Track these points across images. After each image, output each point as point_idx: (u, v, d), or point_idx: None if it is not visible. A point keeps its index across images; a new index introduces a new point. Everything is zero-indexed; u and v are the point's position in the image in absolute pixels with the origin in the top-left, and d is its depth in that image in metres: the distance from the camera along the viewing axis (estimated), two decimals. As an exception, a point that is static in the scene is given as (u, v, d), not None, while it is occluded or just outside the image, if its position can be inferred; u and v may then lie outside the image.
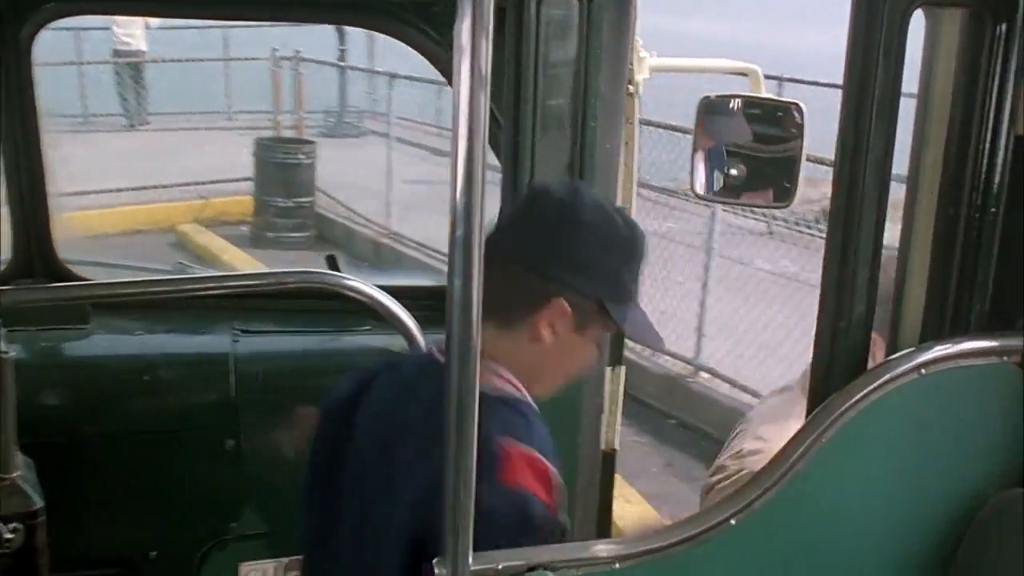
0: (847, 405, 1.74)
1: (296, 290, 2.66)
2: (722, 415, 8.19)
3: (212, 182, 14.49)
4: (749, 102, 3.12)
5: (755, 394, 8.06)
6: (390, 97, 13.06)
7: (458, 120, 1.35)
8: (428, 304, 2.89)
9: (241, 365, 2.77)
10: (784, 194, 3.10)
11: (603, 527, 2.99)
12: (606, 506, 3.06)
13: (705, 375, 8.52)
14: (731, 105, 3.12)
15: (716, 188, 3.17)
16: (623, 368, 3.03)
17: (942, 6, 1.77)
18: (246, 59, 17.99)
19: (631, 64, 2.73)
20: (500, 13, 2.58)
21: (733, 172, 3.18)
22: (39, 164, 3.01)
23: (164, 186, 14.17)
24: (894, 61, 1.71)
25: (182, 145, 16.79)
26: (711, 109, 3.11)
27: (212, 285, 2.54)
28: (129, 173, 14.55)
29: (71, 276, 3.11)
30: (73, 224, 12.22)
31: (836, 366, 1.81)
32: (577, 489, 2.73)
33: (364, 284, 2.62)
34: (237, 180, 14.25)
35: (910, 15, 1.70)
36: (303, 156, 13.44)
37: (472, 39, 1.31)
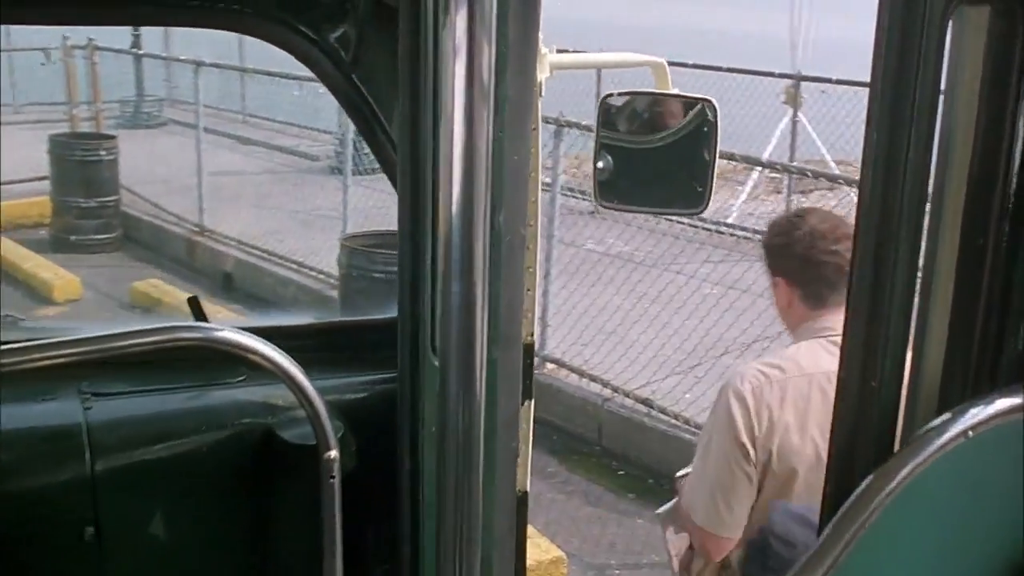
0: (892, 485, 1.44)
1: (156, 349, 2.22)
2: (571, 406, 7.99)
3: (4, 183, 13.50)
4: (655, 99, 2.82)
5: (604, 383, 7.88)
6: (197, 85, 12.34)
7: (452, 125, 1.27)
8: (304, 345, 2.50)
9: (96, 436, 2.32)
10: (696, 199, 2.81)
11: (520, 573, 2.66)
12: (522, 551, 2.73)
13: (551, 365, 8.26)
14: (635, 103, 2.81)
15: (620, 195, 2.86)
16: (532, 402, 2.69)
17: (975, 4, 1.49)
18: (34, 49, 16.88)
19: (533, 62, 2.39)
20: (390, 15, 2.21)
21: (638, 177, 2.88)
22: None
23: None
24: (932, 65, 1.42)
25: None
26: (613, 108, 2.79)
27: (53, 354, 2.07)
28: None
29: None
30: None
31: (864, 435, 1.51)
32: (496, 536, 2.40)
33: (236, 332, 2.20)
34: (32, 180, 13.32)
35: (950, 15, 1.41)
36: (104, 152, 12.64)
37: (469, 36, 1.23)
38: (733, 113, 12.18)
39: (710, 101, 2.76)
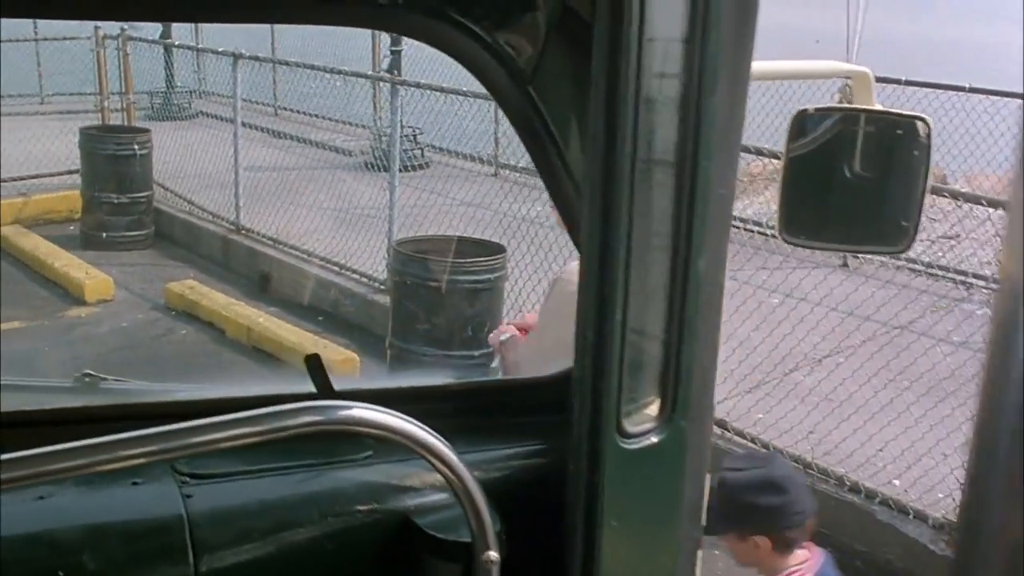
0: None
1: (282, 436, 1.78)
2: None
3: (31, 177, 13.14)
4: (857, 116, 2.36)
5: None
6: (236, 78, 11.89)
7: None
8: (436, 410, 2.07)
9: (200, 530, 1.88)
10: (899, 236, 2.36)
11: None
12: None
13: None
14: (833, 120, 2.35)
15: (808, 229, 2.41)
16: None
17: None
18: (64, 39, 16.51)
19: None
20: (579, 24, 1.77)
21: (832, 207, 2.43)
22: None
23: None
24: None
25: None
26: (807, 125, 2.34)
27: (146, 450, 1.63)
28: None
29: None
30: None
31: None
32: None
33: (374, 411, 1.77)
34: (61, 174, 12.94)
35: None
36: (137, 146, 12.19)
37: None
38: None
39: (923, 119, 2.31)
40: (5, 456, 1.54)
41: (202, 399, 2.24)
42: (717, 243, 1.82)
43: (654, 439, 1.83)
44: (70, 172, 12.82)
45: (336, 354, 8.73)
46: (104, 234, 11.92)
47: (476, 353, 7.61)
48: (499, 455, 2.20)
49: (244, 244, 11.37)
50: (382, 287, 9.58)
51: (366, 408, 1.76)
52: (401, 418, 1.77)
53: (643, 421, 1.83)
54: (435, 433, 1.84)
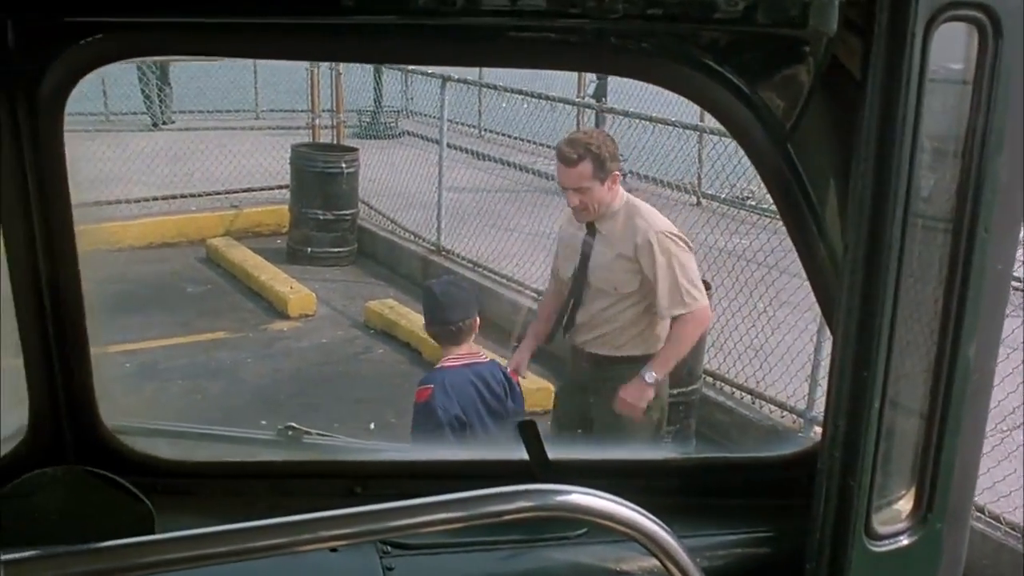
0: None
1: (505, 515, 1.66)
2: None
3: (244, 190, 13.56)
4: None
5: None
6: (443, 100, 12.02)
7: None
8: (648, 487, 1.92)
9: None
10: None
11: None
12: None
13: (819, 428, 7.49)
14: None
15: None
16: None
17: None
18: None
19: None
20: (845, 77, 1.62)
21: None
22: (71, 275, 2.07)
23: (193, 195, 13.26)
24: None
25: (208, 146, 15.91)
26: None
27: (362, 529, 1.54)
28: (153, 177, 13.69)
29: (121, 454, 2.18)
30: (97, 238, 11.37)
31: None
32: None
33: (589, 495, 1.64)
34: (270, 188, 13.30)
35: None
36: (345, 164, 12.42)
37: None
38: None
39: None
40: (213, 529, 1.48)
41: (407, 460, 2.17)
42: (991, 326, 1.63)
43: (905, 541, 1.65)
44: (280, 187, 13.16)
45: (531, 382, 8.64)
46: (309, 249, 12.17)
47: (673, 391, 7.38)
48: (723, 540, 2.05)
49: (443, 265, 11.43)
50: (580, 316, 9.46)
51: (585, 493, 1.63)
52: (623, 504, 1.64)
53: (894, 520, 1.65)
54: (658, 520, 1.69)
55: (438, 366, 5.30)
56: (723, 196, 13.19)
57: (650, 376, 5.49)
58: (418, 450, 2.20)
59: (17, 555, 1.49)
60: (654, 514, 1.70)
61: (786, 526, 1.95)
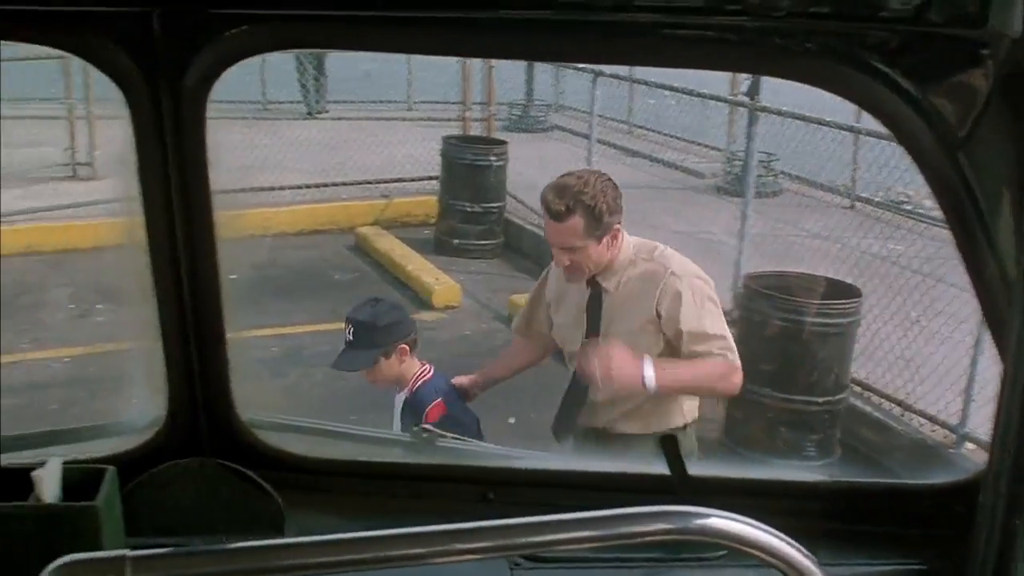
0: None
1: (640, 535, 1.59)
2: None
3: (394, 180, 13.71)
4: None
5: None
6: (594, 95, 11.95)
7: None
8: (794, 508, 1.82)
9: None
10: None
11: None
12: None
13: (971, 445, 7.21)
14: None
15: None
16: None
17: None
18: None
19: None
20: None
21: None
22: (210, 267, 2.06)
23: (344, 183, 13.46)
24: None
25: (361, 136, 16.13)
26: None
27: (495, 544, 1.48)
28: (306, 164, 13.94)
29: (254, 448, 2.18)
30: (251, 223, 11.63)
31: None
32: None
33: (730, 519, 1.55)
34: (420, 179, 13.41)
35: None
36: (494, 157, 12.45)
37: None
38: None
39: None
40: (344, 536, 1.45)
41: (541, 468, 2.12)
42: None
43: None
44: (429, 178, 13.25)
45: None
46: (455, 241, 12.23)
47: (819, 400, 7.24)
48: (870, 571, 1.94)
49: (589, 262, 11.34)
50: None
51: (726, 517, 1.55)
52: (766, 531, 1.55)
53: None
54: (803, 549, 1.59)
55: (419, 383, 4.64)
56: (878, 199, 12.82)
57: (649, 374, 4.13)
58: (552, 458, 2.14)
59: (144, 552, 1.48)
60: (796, 538, 1.60)
61: (939, 560, 1.84)
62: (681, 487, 1.91)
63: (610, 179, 4.39)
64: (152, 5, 1.83)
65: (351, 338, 4.53)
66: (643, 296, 4.29)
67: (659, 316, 4.26)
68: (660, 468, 2.04)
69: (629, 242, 4.39)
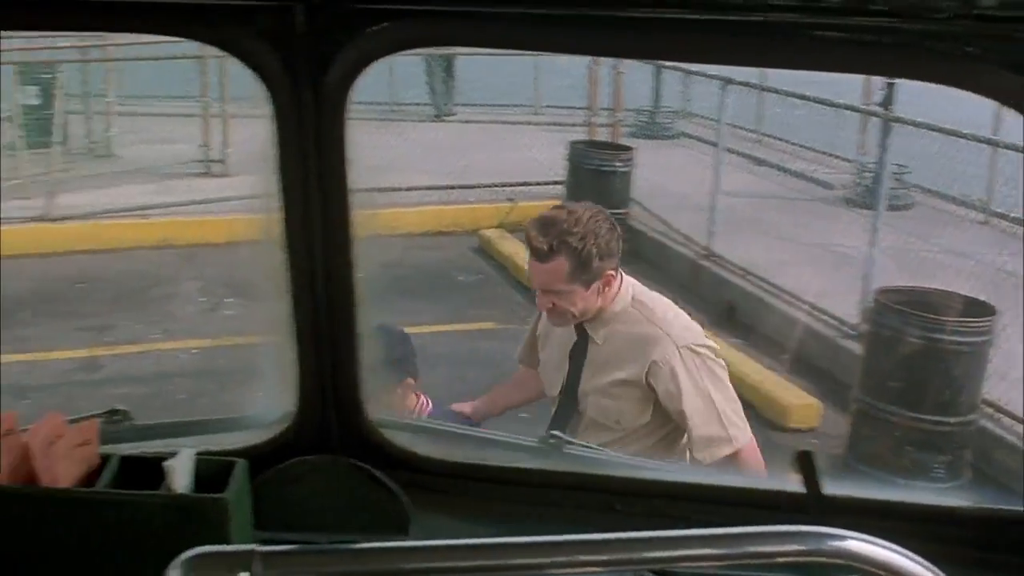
0: None
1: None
2: None
3: (520, 184, 13.73)
4: None
5: None
6: (723, 103, 11.82)
7: None
8: (944, 534, 1.75)
9: None
10: None
11: None
12: None
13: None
14: None
15: None
16: None
17: None
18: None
19: None
20: None
21: None
22: (346, 266, 2.07)
23: (470, 186, 13.53)
24: None
25: (486, 139, 16.21)
26: None
27: (624, 556, 1.45)
28: (433, 166, 14.06)
29: (382, 448, 2.18)
30: (380, 223, 11.76)
31: None
32: None
33: (875, 544, 1.49)
34: (546, 183, 13.41)
35: None
36: (620, 164, 12.42)
37: None
38: None
39: None
40: (471, 541, 1.44)
41: (669, 480, 2.08)
42: None
43: None
44: (555, 183, 13.24)
45: (796, 397, 8.39)
46: (576, 246, 12.18)
47: (950, 420, 7.03)
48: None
49: (712, 271, 11.23)
50: (852, 332, 9.11)
51: (865, 540, 1.49)
52: (908, 557, 1.49)
53: None
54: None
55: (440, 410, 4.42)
56: (1013, 215, 12.45)
57: None
58: (679, 470, 2.10)
59: (273, 548, 1.49)
60: (933, 563, 1.54)
61: None
62: (814, 506, 1.86)
63: (608, 218, 3.86)
64: (297, 0, 1.84)
65: None
66: (632, 359, 3.79)
67: (650, 387, 3.77)
68: (790, 484, 1.99)
69: (628, 290, 3.87)
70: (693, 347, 3.75)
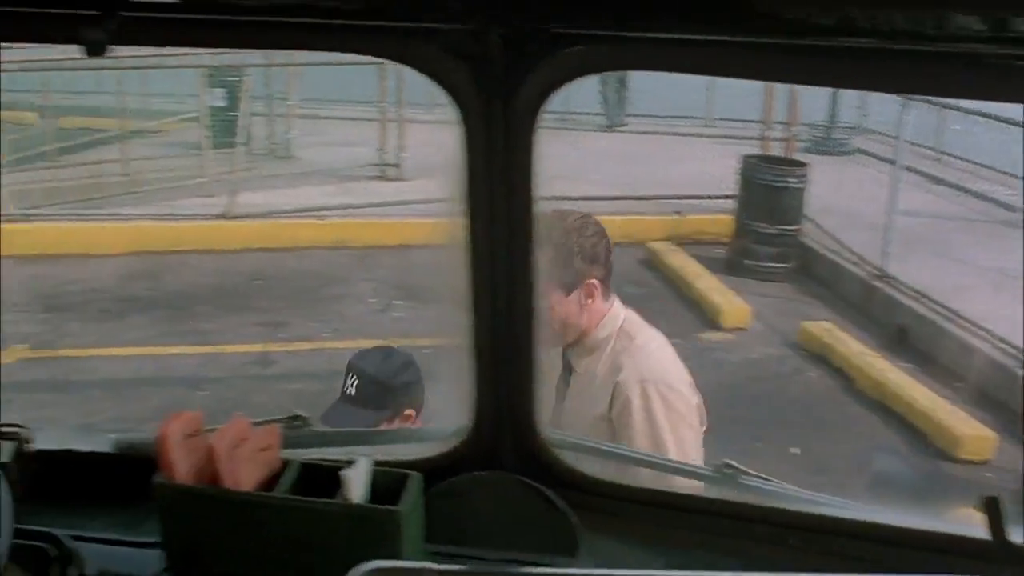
0: None
1: None
2: None
3: (690, 197, 13.63)
4: None
5: None
6: (901, 120, 11.50)
7: None
8: None
9: None
10: None
11: None
12: None
13: None
14: None
15: None
16: None
17: None
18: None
19: None
20: None
21: None
22: (527, 285, 2.09)
23: (640, 197, 13.47)
24: None
25: (656, 151, 16.13)
26: None
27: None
28: (603, 176, 14.06)
29: (551, 466, 2.18)
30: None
31: None
32: None
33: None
34: (717, 197, 13.28)
35: None
36: (793, 180, 12.21)
37: None
38: None
39: None
40: (642, 573, 1.43)
41: (848, 518, 2.04)
42: None
43: None
44: (725, 196, 13.09)
45: (970, 428, 8.11)
46: (748, 261, 12.05)
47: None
48: None
49: (885, 292, 10.93)
50: (1033, 364, 8.78)
51: None
52: None
53: None
54: None
55: None
56: None
57: None
58: (859, 507, 2.05)
59: (450, 567, 1.51)
60: None
61: None
62: (999, 554, 1.79)
63: (597, 224, 3.54)
64: (491, 22, 1.86)
65: (353, 391, 3.76)
66: (602, 390, 3.46)
67: (612, 422, 3.41)
68: (972, 529, 1.93)
69: (617, 319, 3.55)
70: (659, 386, 3.37)
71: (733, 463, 2.22)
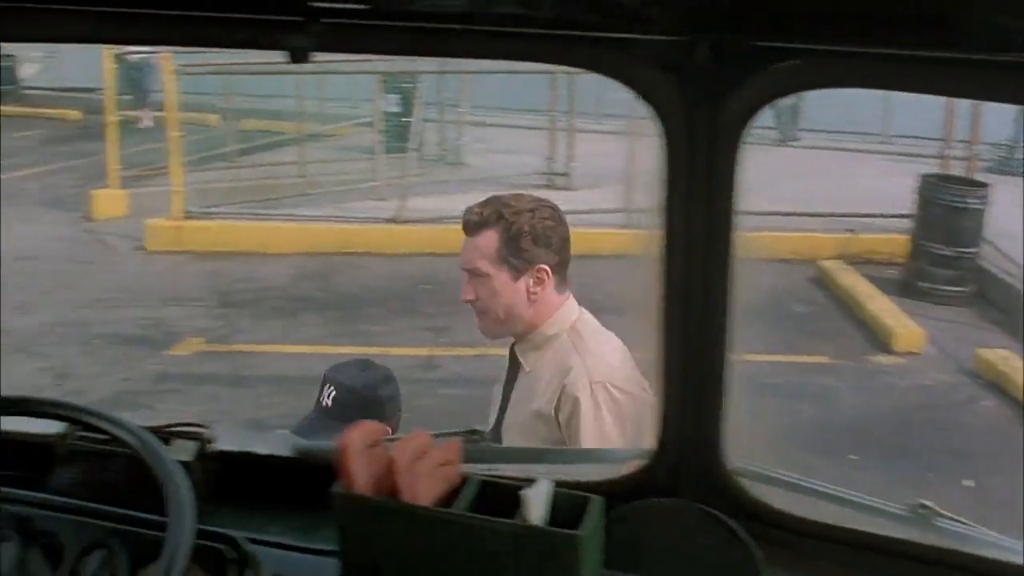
0: None
1: None
2: None
3: (864, 215, 13.27)
4: None
5: None
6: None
7: None
8: None
9: None
10: None
11: None
12: None
13: None
14: None
15: None
16: None
17: None
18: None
19: None
20: None
21: None
22: (720, 310, 2.04)
23: (811, 214, 13.18)
24: None
25: (829, 166, 15.78)
26: None
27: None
28: (774, 191, 13.81)
29: (735, 496, 2.12)
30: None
31: None
32: None
33: None
34: (892, 216, 12.90)
35: None
36: (973, 200, 11.79)
37: None
38: None
39: None
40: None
41: None
42: None
43: None
44: (899, 216, 12.73)
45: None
46: (923, 284, 11.68)
47: None
48: None
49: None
50: None
51: None
52: None
53: None
54: None
55: None
56: None
57: None
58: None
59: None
60: None
61: None
62: None
63: (555, 210, 3.39)
64: (700, 34, 1.83)
65: (329, 403, 3.66)
66: (548, 389, 3.31)
67: (558, 423, 3.27)
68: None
69: (570, 316, 3.40)
70: (609, 386, 3.22)
71: (928, 503, 2.12)
